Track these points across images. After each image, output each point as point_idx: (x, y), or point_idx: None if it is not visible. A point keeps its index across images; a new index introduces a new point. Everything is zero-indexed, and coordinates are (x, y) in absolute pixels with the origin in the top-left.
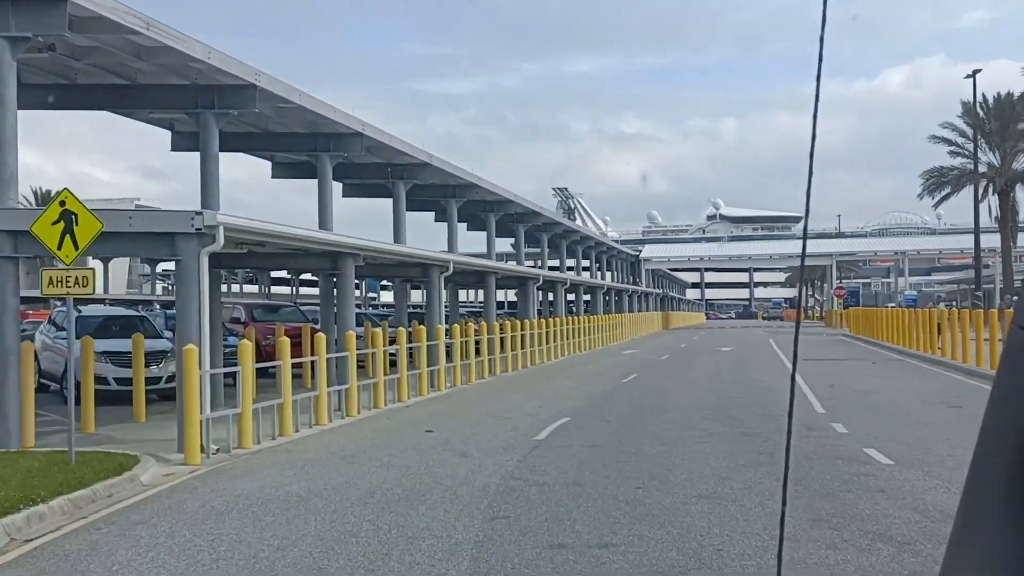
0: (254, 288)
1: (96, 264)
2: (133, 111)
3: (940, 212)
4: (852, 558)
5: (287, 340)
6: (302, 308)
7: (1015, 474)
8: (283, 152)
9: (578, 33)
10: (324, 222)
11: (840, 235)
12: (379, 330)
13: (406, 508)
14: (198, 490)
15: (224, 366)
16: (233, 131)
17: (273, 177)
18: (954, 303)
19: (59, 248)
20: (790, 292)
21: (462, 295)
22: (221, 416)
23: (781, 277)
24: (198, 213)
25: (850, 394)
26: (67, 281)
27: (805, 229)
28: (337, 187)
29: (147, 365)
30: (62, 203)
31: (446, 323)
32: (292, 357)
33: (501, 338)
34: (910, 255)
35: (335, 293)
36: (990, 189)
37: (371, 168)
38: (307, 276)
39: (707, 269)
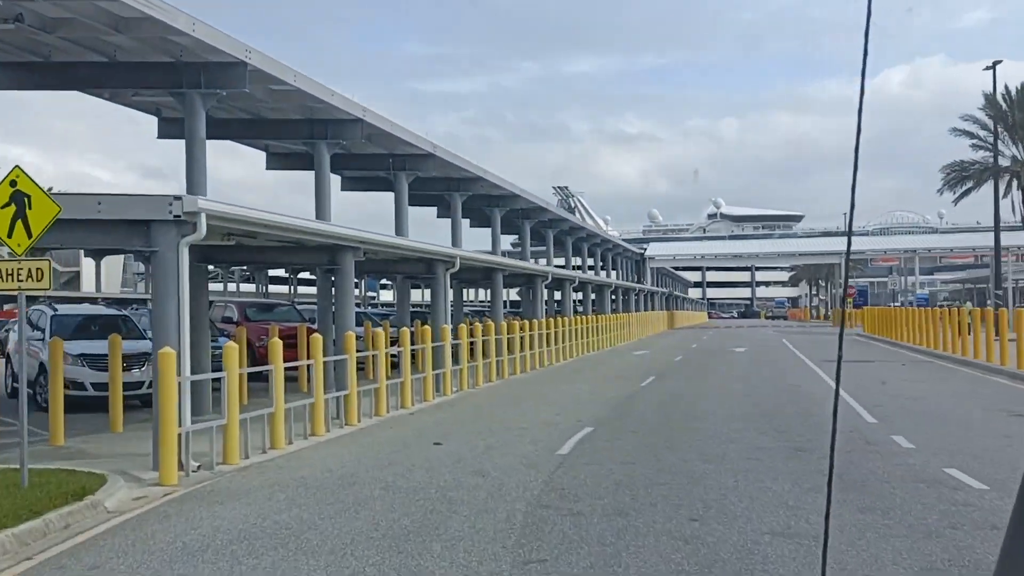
0: (251, 287)
1: (88, 262)
2: (114, 92)
3: (942, 211)
4: None
5: (279, 342)
6: (300, 307)
7: None
8: (278, 140)
9: (578, 33)
10: (322, 215)
11: (846, 233)
12: (380, 330)
13: (418, 547)
14: (171, 519)
15: (215, 370)
16: (224, 117)
17: (268, 168)
18: (957, 302)
19: (9, 236)
20: (792, 291)
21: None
22: (204, 428)
23: (784, 276)
24: (176, 198)
25: (896, 400)
26: (19, 274)
27: (850, 225)
28: (336, 180)
29: (128, 368)
30: (12, 183)
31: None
32: (287, 360)
33: (509, 339)
34: (920, 253)
35: (333, 292)
36: (1014, 184)
37: (371, 159)
38: (306, 275)
39: (713, 268)
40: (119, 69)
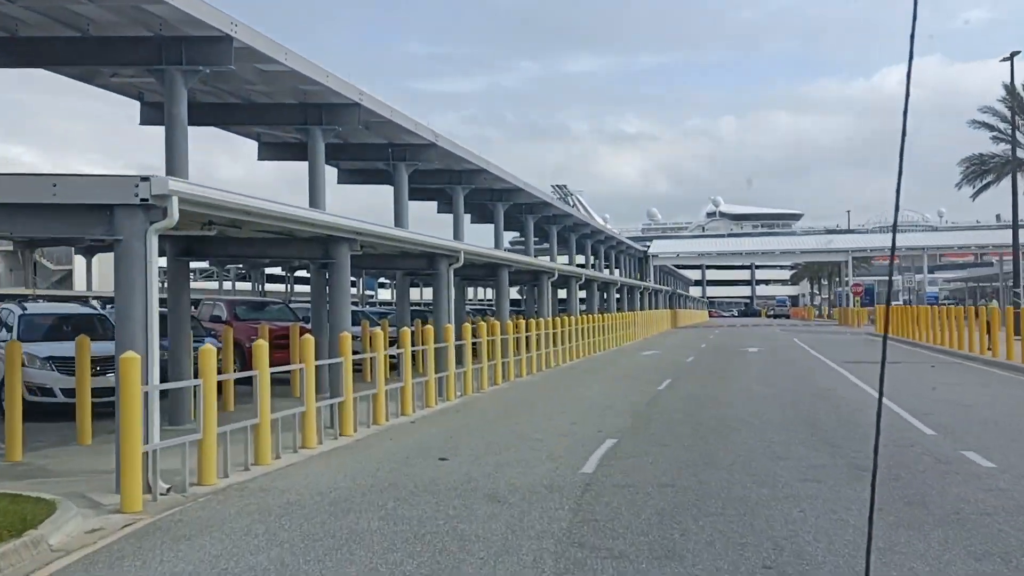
0: (247, 286)
1: (80, 259)
2: (90, 72)
3: (942, 210)
4: None
5: (264, 344)
6: (295, 306)
7: None
8: (269, 127)
9: (578, 32)
10: (316, 207)
11: (851, 231)
12: (379, 330)
13: None
14: (124, 562)
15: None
16: (212, 101)
17: (260, 159)
18: (956, 301)
19: None
20: (792, 290)
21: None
22: (176, 444)
23: (784, 275)
24: (144, 179)
25: (945, 406)
26: None
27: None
28: (332, 173)
29: (102, 373)
30: None
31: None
32: (278, 362)
33: (515, 339)
34: (917, 252)
35: (328, 289)
36: None
37: (369, 149)
38: (303, 273)
39: (713, 266)
40: (92, 44)
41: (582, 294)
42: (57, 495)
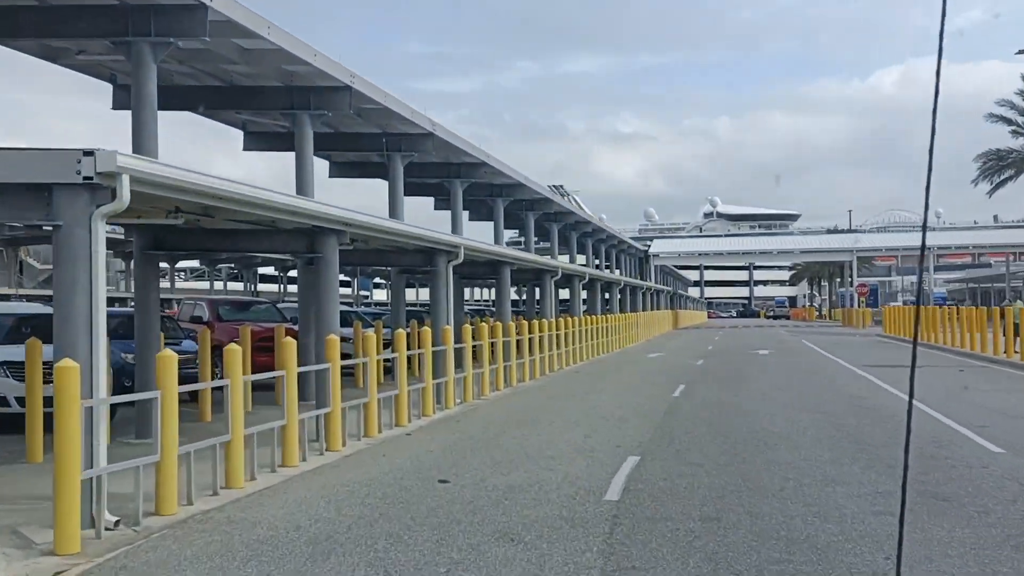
0: (239, 286)
1: None
2: (54, 50)
3: (939, 210)
4: None
5: (236, 349)
6: (281, 306)
7: None
8: (254, 113)
9: (576, 33)
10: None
11: (852, 231)
12: (371, 333)
13: None
14: None
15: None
16: (190, 84)
17: (245, 149)
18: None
19: None
20: (791, 291)
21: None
22: (128, 468)
23: (782, 275)
24: (87, 153)
25: (1000, 418)
26: None
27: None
28: (323, 167)
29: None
30: None
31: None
32: (263, 367)
33: (518, 341)
34: (934, 251)
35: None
36: None
37: (363, 139)
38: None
39: (711, 267)
40: (50, 14)
41: (583, 295)
42: None
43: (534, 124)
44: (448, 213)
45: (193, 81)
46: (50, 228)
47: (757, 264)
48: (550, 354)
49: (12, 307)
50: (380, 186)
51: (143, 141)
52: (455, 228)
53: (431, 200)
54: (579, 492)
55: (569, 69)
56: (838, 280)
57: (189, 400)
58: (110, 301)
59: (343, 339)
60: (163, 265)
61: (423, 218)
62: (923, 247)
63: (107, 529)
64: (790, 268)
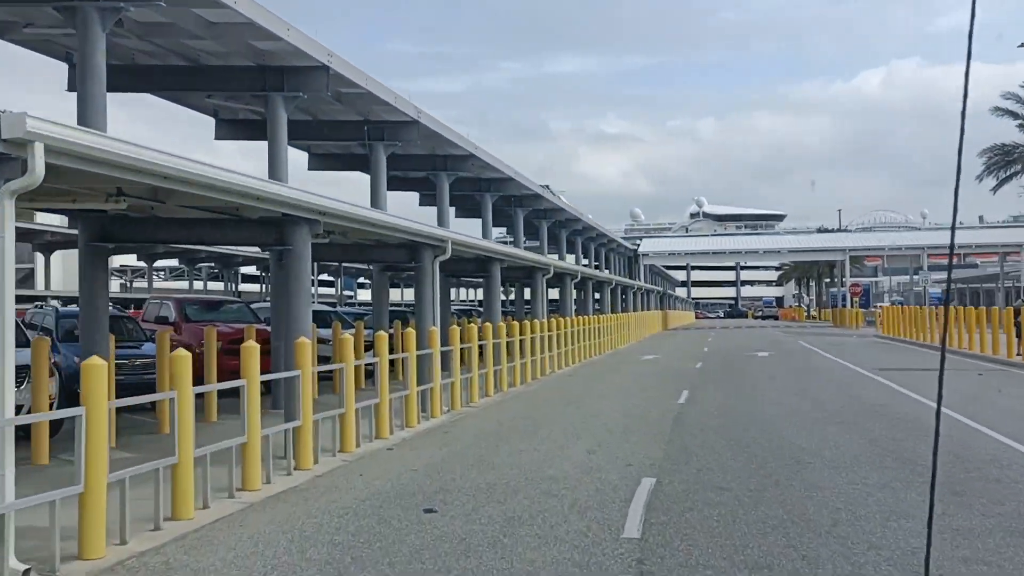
0: (220, 285)
1: (40, 256)
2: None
3: (925, 211)
4: None
5: (186, 355)
6: (258, 306)
7: None
8: (225, 96)
9: (561, 34)
10: None
11: (842, 231)
12: (348, 336)
13: None
14: None
15: (132, 387)
16: (152, 63)
17: (217, 138)
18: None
19: None
20: (778, 291)
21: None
22: (42, 502)
23: (770, 276)
24: None
25: None
26: None
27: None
28: (302, 159)
29: None
30: None
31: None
32: (230, 372)
33: (509, 343)
34: (927, 250)
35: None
36: None
37: (343, 128)
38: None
39: (703, 267)
40: None
41: (585, 293)
42: None
43: (518, 125)
44: (434, 209)
45: (156, 60)
46: None
47: (746, 264)
48: (542, 357)
49: None
50: (363, 181)
51: (90, 117)
52: (441, 224)
53: (416, 196)
54: (591, 527)
55: (554, 70)
56: (827, 280)
57: (151, 409)
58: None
59: (322, 341)
60: (140, 264)
61: (408, 214)
62: (952, 247)
63: None
64: (777, 268)
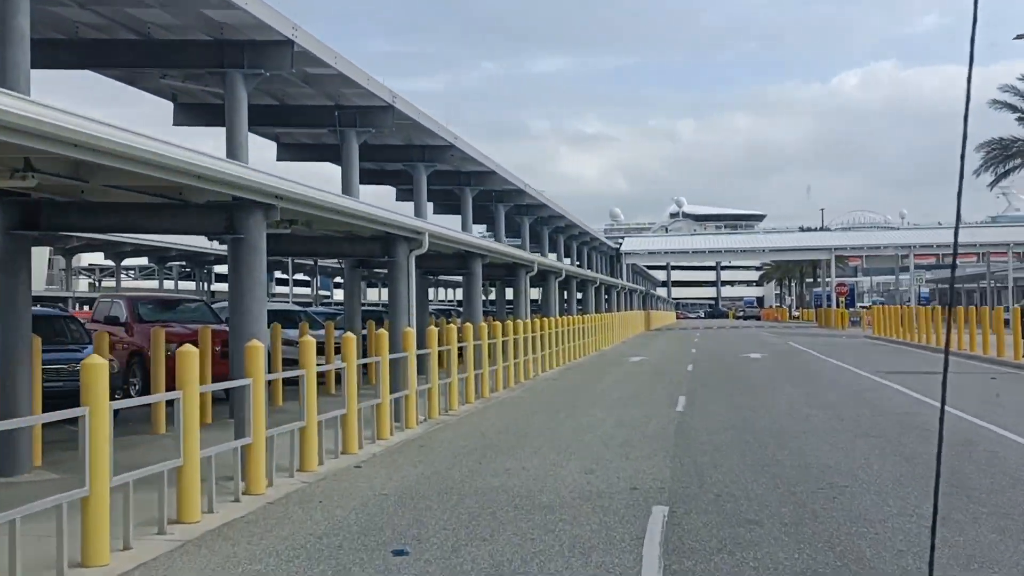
0: (192, 285)
1: None
2: None
3: (904, 211)
4: None
5: (102, 364)
6: (215, 304)
7: None
8: (181, 75)
9: (540, 33)
10: None
11: (824, 230)
12: (309, 339)
13: None
14: None
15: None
16: (99, 37)
17: (176, 124)
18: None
19: None
20: (758, 291)
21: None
22: None
23: (750, 275)
24: None
25: None
26: None
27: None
28: (270, 148)
29: None
30: None
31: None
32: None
33: (491, 345)
34: (914, 249)
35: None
36: None
37: (312, 113)
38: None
39: (684, 267)
40: None
41: (570, 292)
42: None
43: (497, 124)
44: (411, 205)
45: (102, 34)
46: None
47: (729, 264)
48: (525, 360)
49: None
50: (337, 174)
51: (12, 87)
52: (419, 217)
53: (393, 191)
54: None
55: (533, 70)
56: (809, 280)
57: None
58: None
59: (289, 343)
60: (108, 263)
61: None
62: (955, 245)
63: None
64: (758, 268)
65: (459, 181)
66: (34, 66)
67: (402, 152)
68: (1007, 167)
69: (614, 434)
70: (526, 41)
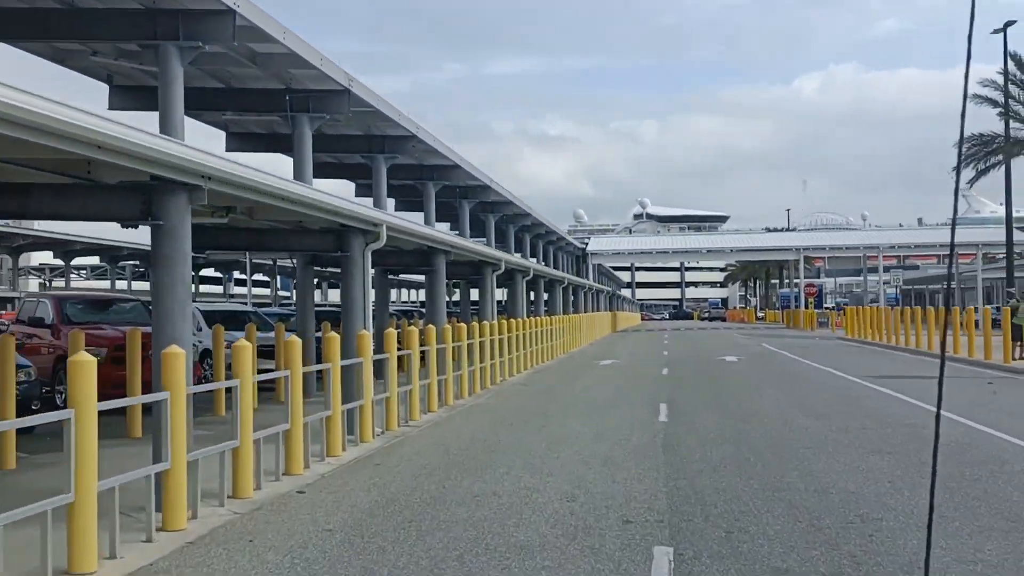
0: (146, 285)
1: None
2: None
3: (866, 212)
4: None
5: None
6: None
7: None
8: (109, 48)
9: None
10: None
11: (790, 230)
12: (245, 344)
13: None
14: None
15: None
16: (17, 6)
17: (112, 108)
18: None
19: None
20: (722, 292)
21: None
22: None
23: (715, 276)
24: None
25: None
26: None
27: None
28: (218, 137)
29: None
30: None
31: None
32: (115, 384)
33: (455, 348)
34: (882, 249)
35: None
36: None
37: (262, 98)
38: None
39: (648, 268)
40: None
41: (538, 292)
42: None
43: (461, 125)
44: (371, 200)
45: (21, 3)
46: None
47: (697, 264)
48: (492, 363)
49: None
50: (292, 166)
51: None
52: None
53: (352, 186)
54: None
55: (495, 71)
56: (775, 281)
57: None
58: None
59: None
60: (58, 262)
61: None
62: (952, 245)
63: None
64: (722, 270)
65: (421, 175)
66: None
67: (361, 143)
68: (988, 163)
69: (594, 449)
70: (489, 42)
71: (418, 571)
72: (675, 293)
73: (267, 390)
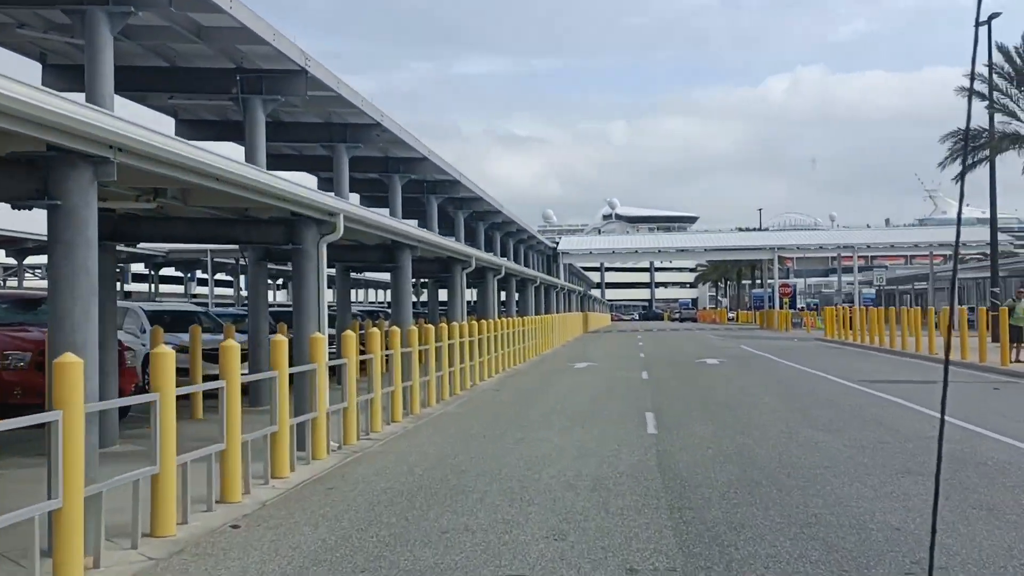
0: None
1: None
2: None
3: (833, 213)
4: None
5: None
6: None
7: None
8: (33, 15)
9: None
10: None
11: (762, 230)
12: (167, 350)
13: None
14: None
15: None
16: None
17: (45, 83)
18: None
19: None
20: (692, 293)
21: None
22: None
23: (685, 277)
24: None
25: None
26: None
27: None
28: (167, 124)
29: None
30: None
31: (331, 326)
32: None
33: (422, 351)
34: (858, 249)
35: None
36: None
37: (211, 77)
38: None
39: (619, 268)
40: None
41: (509, 292)
42: None
43: (429, 125)
44: (332, 194)
45: None
46: None
47: (668, 264)
48: (461, 367)
49: None
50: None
51: None
52: None
53: (314, 180)
54: None
55: (463, 71)
56: (747, 281)
57: None
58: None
59: (181, 350)
60: (11, 261)
61: None
62: (956, 244)
63: None
64: (692, 270)
65: (387, 168)
66: None
67: (321, 132)
68: (975, 158)
69: (580, 469)
70: (456, 42)
71: None
72: (644, 293)
73: (214, 398)
